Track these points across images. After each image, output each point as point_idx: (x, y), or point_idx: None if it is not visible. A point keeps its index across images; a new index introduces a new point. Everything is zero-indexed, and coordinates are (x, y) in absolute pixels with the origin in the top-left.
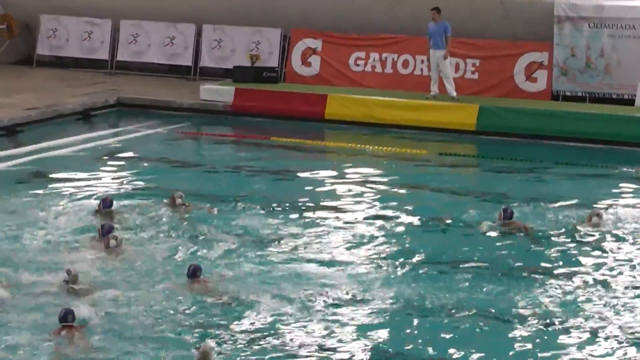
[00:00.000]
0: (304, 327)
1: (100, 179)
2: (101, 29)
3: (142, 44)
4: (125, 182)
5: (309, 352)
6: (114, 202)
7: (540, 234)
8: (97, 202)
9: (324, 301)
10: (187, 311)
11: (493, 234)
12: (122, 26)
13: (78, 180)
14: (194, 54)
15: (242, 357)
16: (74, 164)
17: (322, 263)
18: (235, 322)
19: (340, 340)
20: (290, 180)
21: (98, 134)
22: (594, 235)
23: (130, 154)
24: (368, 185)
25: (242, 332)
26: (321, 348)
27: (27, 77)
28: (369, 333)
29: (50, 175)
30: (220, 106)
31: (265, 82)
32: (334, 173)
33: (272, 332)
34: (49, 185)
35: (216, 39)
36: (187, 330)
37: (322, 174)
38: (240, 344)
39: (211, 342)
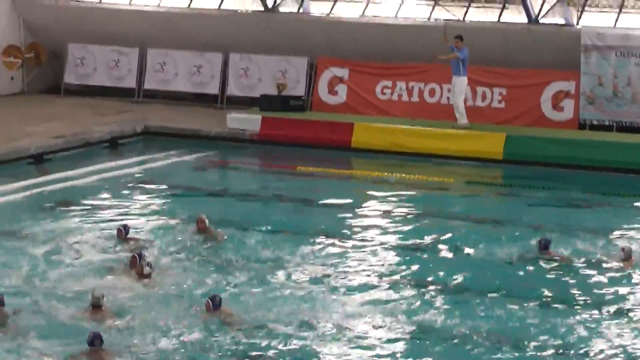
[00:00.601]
0: (327, 353)
1: (127, 207)
2: (128, 58)
3: (169, 72)
4: (151, 210)
5: None
6: (135, 228)
7: (573, 264)
8: (116, 230)
9: (347, 328)
10: (210, 339)
11: (528, 263)
12: (150, 55)
13: (105, 208)
14: (220, 82)
15: None
16: (101, 192)
17: (346, 290)
18: (257, 351)
19: None
20: (316, 208)
21: (125, 162)
22: (623, 270)
23: (157, 182)
24: (393, 213)
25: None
26: None
27: (54, 105)
28: None
29: (78, 204)
30: (246, 134)
31: (292, 111)
32: (360, 202)
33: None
34: (76, 214)
35: (243, 67)
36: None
37: (348, 202)
38: None
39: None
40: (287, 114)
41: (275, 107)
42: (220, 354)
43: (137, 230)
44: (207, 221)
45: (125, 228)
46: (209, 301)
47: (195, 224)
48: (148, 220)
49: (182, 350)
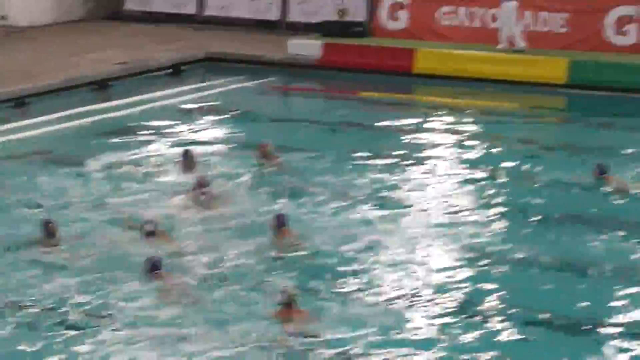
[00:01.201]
0: (393, 279)
1: (188, 133)
2: None
3: None
4: (213, 136)
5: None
6: (197, 154)
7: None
8: (179, 155)
9: (412, 250)
10: (271, 264)
11: (585, 188)
12: None
13: (166, 134)
14: (281, 8)
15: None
16: (162, 118)
17: (410, 214)
18: (323, 273)
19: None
20: (378, 133)
21: (186, 89)
22: None
23: (218, 108)
24: (455, 139)
25: (325, 280)
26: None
27: (115, 32)
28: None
29: (139, 130)
30: (307, 60)
31: (353, 37)
32: (421, 127)
33: (363, 284)
34: (138, 139)
35: None
36: (268, 283)
37: (410, 128)
38: (325, 297)
39: (293, 287)
40: (348, 39)
41: (336, 33)
42: (286, 274)
43: (200, 156)
44: (269, 147)
45: (188, 153)
46: (277, 218)
47: (258, 150)
48: (210, 146)
49: (248, 273)
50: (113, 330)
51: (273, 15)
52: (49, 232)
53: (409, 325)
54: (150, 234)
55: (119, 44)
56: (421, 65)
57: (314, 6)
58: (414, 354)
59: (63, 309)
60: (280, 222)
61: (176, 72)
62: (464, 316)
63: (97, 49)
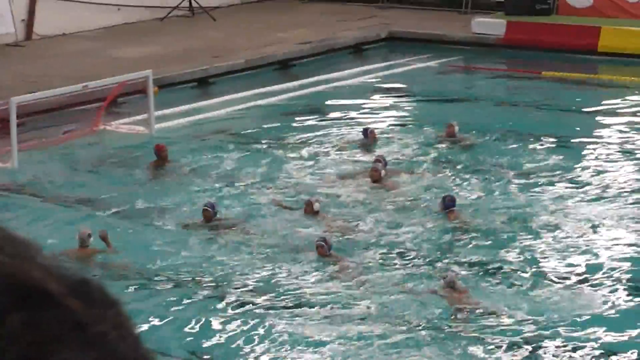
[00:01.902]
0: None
1: (371, 112)
2: None
3: None
4: (393, 114)
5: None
6: (380, 134)
7: None
8: (362, 132)
9: (596, 229)
10: (441, 240)
11: None
12: None
13: (349, 113)
14: None
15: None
16: (346, 97)
17: (593, 195)
18: (484, 253)
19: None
20: (561, 114)
21: (369, 68)
22: None
23: (401, 87)
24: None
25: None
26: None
27: (298, 12)
28: None
29: (323, 108)
30: (491, 39)
31: (538, 15)
32: (608, 108)
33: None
34: (322, 118)
35: None
36: (434, 264)
37: (595, 109)
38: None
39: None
40: (533, 18)
41: (521, 11)
42: (453, 257)
43: (380, 134)
44: (456, 127)
45: (368, 132)
46: (444, 199)
47: (445, 130)
48: (392, 125)
49: (417, 249)
50: (282, 308)
51: None
52: (207, 216)
53: (586, 305)
54: (316, 212)
55: (303, 24)
56: (607, 44)
57: None
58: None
59: (232, 287)
60: (448, 204)
61: (359, 51)
62: None
63: (282, 29)
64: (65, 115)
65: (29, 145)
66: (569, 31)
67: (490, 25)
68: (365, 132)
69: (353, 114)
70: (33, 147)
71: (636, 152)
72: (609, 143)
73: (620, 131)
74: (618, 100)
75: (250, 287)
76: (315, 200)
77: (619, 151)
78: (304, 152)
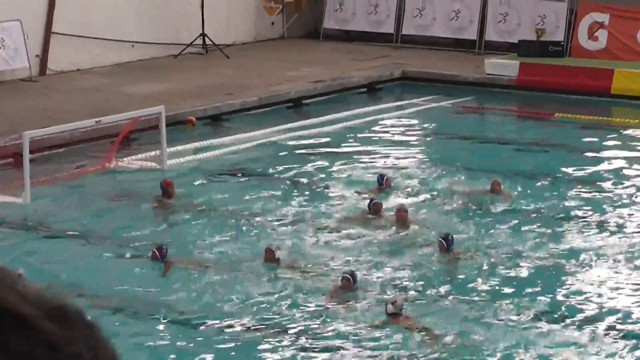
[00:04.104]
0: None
1: (384, 152)
2: (387, 3)
3: (428, 17)
4: (407, 154)
5: None
6: (392, 173)
7: None
8: (377, 177)
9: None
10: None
11: None
12: (408, 0)
13: (362, 152)
14: (479, 27)
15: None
16: (358, 135)
17: (604, 238)
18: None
19: None
20: (575, 156)
21: (382, 107)
22: None
23: (413, 127)
24: None
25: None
26: None
27: (314, 51)
28: None
29: (334, 147)
30: (504, 80)
31: (551, 57)
32: (621, 152)
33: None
34: (333, 157)
35: (502, 12)
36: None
37: (608, 152)
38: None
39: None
40: (546, 59)
41: (533, 53)
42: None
43: (396, 175)
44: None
45: (383, 177)
46: (443, 239)
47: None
48: (406, 166)
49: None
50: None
51: (471, 34)
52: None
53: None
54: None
55: (316, 62)
56: (620, 86)
57: (512, 25)
58: None
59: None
60: (447, 244)
61: (372, 90)
62: None
63: (295, 67)
64: (78, 151)
65: (42, 181)
66: (582, 73)
67: (503, 66)
68: (381, 178)
69: (365, 153)
70: (45, 183)
71: None
72: (622, 184)
73: (634, 174)
74: (632, 142)
75: (260, 323)
76: (277, 248)
77: (633, 194)
78: (316, 190)
